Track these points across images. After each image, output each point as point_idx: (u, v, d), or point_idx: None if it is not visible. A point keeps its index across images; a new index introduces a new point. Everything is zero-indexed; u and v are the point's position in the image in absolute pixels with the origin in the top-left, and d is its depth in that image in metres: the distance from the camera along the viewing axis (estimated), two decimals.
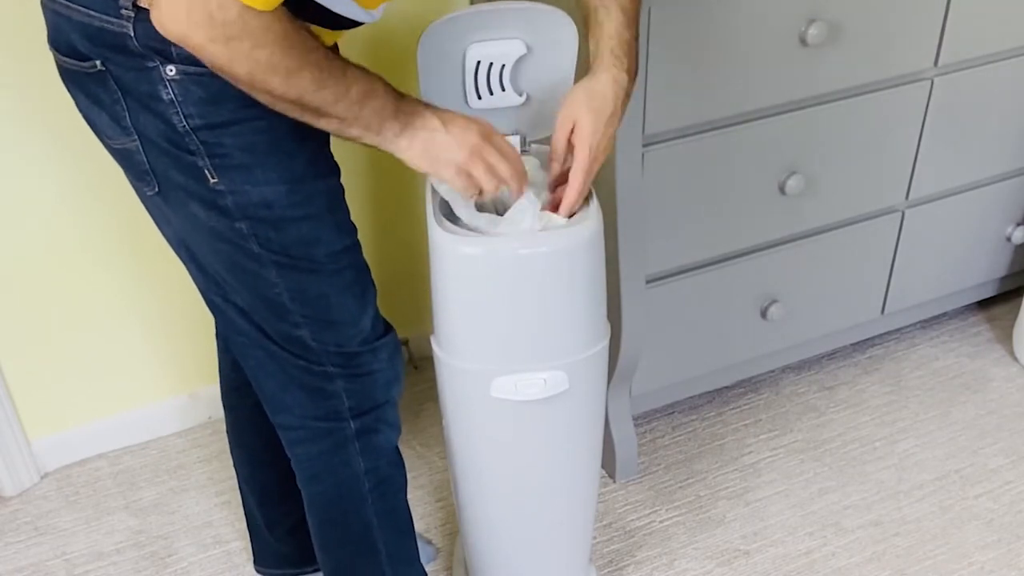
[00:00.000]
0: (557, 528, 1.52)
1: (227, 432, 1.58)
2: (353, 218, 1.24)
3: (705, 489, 1.89)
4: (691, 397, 2.06)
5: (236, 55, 0.98)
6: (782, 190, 1.77)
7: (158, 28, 0.99)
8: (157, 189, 1.16)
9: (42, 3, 1.13)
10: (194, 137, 1.09)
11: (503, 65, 1.27)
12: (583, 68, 1.27)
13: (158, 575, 1.75)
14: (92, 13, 1.06)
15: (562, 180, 1.25)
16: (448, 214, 1.25)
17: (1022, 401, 2.07)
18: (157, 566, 1.77)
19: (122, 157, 1.17)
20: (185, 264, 1.27)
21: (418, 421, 2.03)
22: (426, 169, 1.15)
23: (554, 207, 1.25)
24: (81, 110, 1.18)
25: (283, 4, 0.98)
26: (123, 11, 1.04)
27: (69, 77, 1.15)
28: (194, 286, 1.30)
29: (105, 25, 1.05)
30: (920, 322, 2.25)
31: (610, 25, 1.22)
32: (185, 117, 1.08)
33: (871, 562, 1.74)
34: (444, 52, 1.25)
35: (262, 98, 1.04)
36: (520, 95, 1.30)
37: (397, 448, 1.37)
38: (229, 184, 1.12)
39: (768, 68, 1.65)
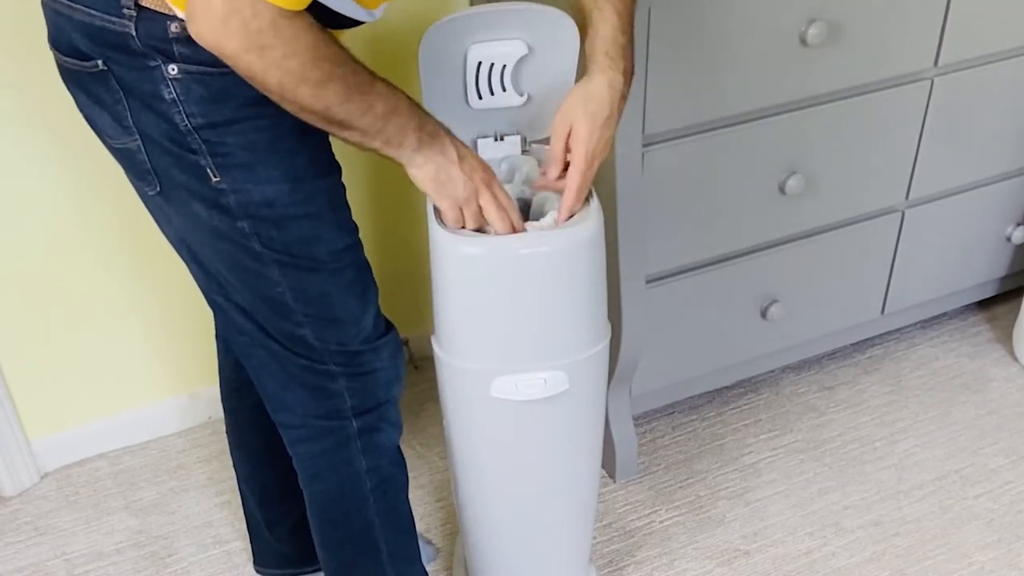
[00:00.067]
0: (557, 528, 1.52)
1: (227, 432, 1.58)
2: (354, 218, 1.24)
3: (705, 489, 1.89)
4: (691, 397, 2.06)
5: (269, 64, 1.00)
6: (782, 190, 1.77)
7: (195, 38, 1.00)
8: (159, 188, 1.16)
9: (43, 3, 1.13)
10: (196, 136, 1.09)
11: (504, 65, 1.27)
12: (583, 69, 1.27)
13: (158, 575, 1.75)
14: (93, 12, 1.06)
15: (560, 183, 1.26)
16: None
17: (1022, 401, 2.07)
18: (157, 566, 1.77)
19: (123, 157, 1.17)
20: (186, 263, 1.27)
21: (418, 421, 2.03)
22: (428, 191, 1.19)
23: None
24: (82, 110, 1.18)
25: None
26: (125, 10, 1.04)
27: (70, 77, 1.15)
28: (194, 286, 1.30)
29: (107, 25, 1.05)
30: (920, 322, 2.25)
31: (604, 27, 1.23)
32: (187, 116, 1.08)
33: (871, 562, 1.74)
34: (445, 52, 1.25)
35: (290, 108, 1.06)
36: (521, 95, 1.30)
37: (399, 447, 1.37)
38: (231, 183, 1.12)
39: (768, 68, 1.65)
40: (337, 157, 1.21)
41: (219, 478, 1.92)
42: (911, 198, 1.95)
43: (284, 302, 1.20)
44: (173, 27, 1.04)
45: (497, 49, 1.26)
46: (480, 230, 1.23)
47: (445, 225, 1.23)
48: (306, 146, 1.14)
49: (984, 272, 2.17)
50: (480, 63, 1.27)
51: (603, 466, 1.66)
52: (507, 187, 1.26)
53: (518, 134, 1.34)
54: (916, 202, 1.97)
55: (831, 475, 1.91)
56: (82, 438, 1.96)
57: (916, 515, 1.83)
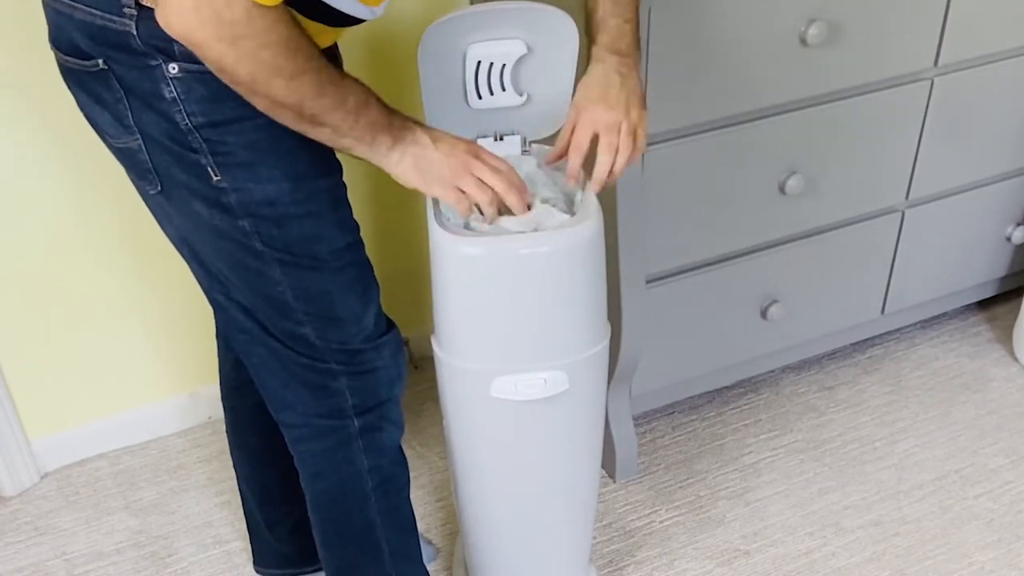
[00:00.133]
0: (557, 528, 1.52)
1: (227, 432, 1.58)
2: (355, 217, 1.24)
3: (705, 489, 1.89)
4: (691, 397, 2.06)
5: (242, 55, 0.99)
6: (782, 190, 1.77)
7: (163, 26, 0.99)
8: (159, 188, 1.16)
9: (43, 2, 1.13)
10: (197, 135, 1.09)
11: (503, 65, 1.27)
12: (583, 68, 1.27)
13: (158, 575, 1.75)
14: (94, 12, 1.06)
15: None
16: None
17: (1022, 401, 2.07)
18: (157, 566, 1.77)
19: (124, 156, 1.17)
20: (187, 262, 1.27)
21: (418, 421, 2.03)
22: (417, 184, 1.18)
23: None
24: (82, 109, 1.18)
25: (287, 3, 0.99)
26: (125, 9, 1.04)
27: (70, 76, 1.15)
28: (195, 285, 1.30)
29: (108, 24, 1.05)
30: (920, 322, 2.25)
31: (600, 11, 1.25)
32: (188, 115, 1.08)
33: (871, 562, 1.74)
34: (445, 52, 1.25)
35: (260, 103, 1.05)
36: (520, 95, 1.30)
37: (400, 446, 1.37)
38: (232, 182, 1.12)
39: (768, 68, 1.65)
40: (338, 157, 1.21)
41: (219, 478, 1.92)
42: (911, 198, 1.95)
43: (285, 301, 1.20)
44: None
45: (497, 49, 1.26)
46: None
47: (446, 225, 1.23)
48: (307, 145, 1.14)
49: (984, 272, 2.17)
50: (480, 63, 1.27)
51: (603, 466, 1.66)
52: None
53: (518, 134, 1.34)
54: (916, 202, 1.97)
55: (831, 475, 1.91)
56: (82, 438, 1.96)
57: (916, 515, 1.83)
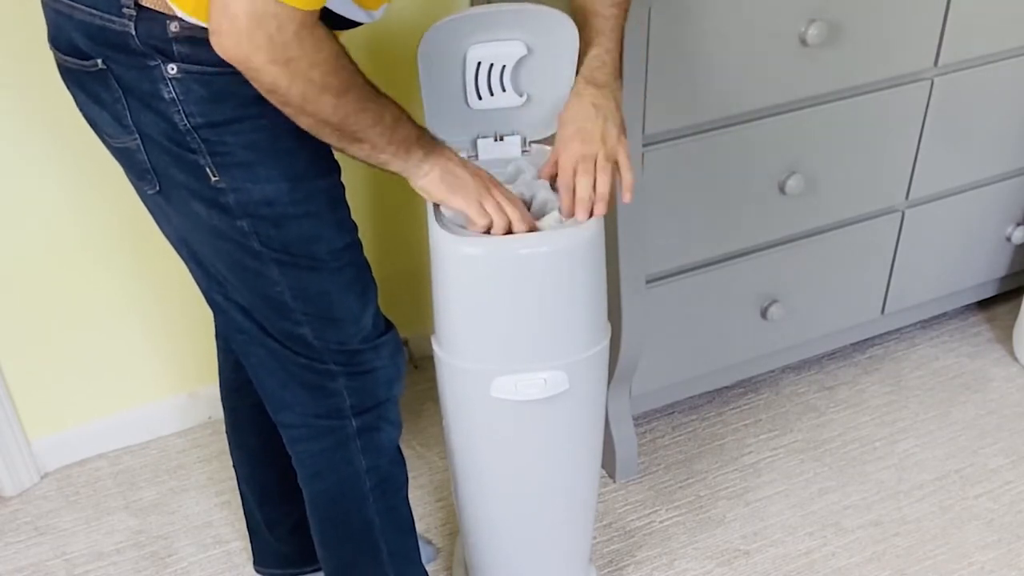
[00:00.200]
0: (557, 528, 1.52)
1: (227, 432, 1.58)
2: (354, 217, 1.24)
3: (705, 489, 1.89)
4: (691, 397, 2.06)
5: (295, 75, 1.02)
6: (782, 190, 1.77)
7: (219, 52, 1.01)
8: (158, 188, 1.16)
9: (43, 2, 1.13)
10: (195, 135, 1.09)
11: (503, 66, 1.27)
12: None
13: (158, 575, 1.75)
14: (94, 12, 1.06)
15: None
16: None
17: (1022, 401, 2.07)
18: (157, 566, 1.77)
19: (123, 156, 1.17)
20: (186, 263, 1.27)
21: (418, 421, 2.03)
22: (439, 195, 1.21)
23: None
24: (81, 109, 1.18)
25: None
26: (125, 10, 1.04)
27: (70, 76, 1.15)
28: (194, 285, 1.30)
29: (107, 24, 1.05)
30: (920, 322, 2.25)
31: (583, 39, 1.27)
32: (186, 115, 1.09)
33: (871, 562, 1.74)
34: (445, 53, 1.26)
35: (305, 122, 1.08)
36: (520, 96, 1.30)
37: (398, 446, 1.37)
38: (231, 182, 1.12)
39: (768, 68, 1.65)
40: (337, 157, 1.21)
41: (219, 478, 1.92)
42: (911, 198, 1.95)
43: (283, 301, 1.21)
44: (173, 27, 1.05)
45: (497, 49, 1.26)
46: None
47: (446, 226, 1.23)
48: (305, 146, 1.14)
49: (984, 272, 2.17)
50: (480, 63, 1.27)
51: (603, 466, 1.66)
52: (509, 187, 1.27)
53: (518, 134, 1.34)
54: (916, 202, 1.97)
55: (831, 475, 1.91)
56: (82, 438, 1.96)
57: (916, 515, 1.83)
